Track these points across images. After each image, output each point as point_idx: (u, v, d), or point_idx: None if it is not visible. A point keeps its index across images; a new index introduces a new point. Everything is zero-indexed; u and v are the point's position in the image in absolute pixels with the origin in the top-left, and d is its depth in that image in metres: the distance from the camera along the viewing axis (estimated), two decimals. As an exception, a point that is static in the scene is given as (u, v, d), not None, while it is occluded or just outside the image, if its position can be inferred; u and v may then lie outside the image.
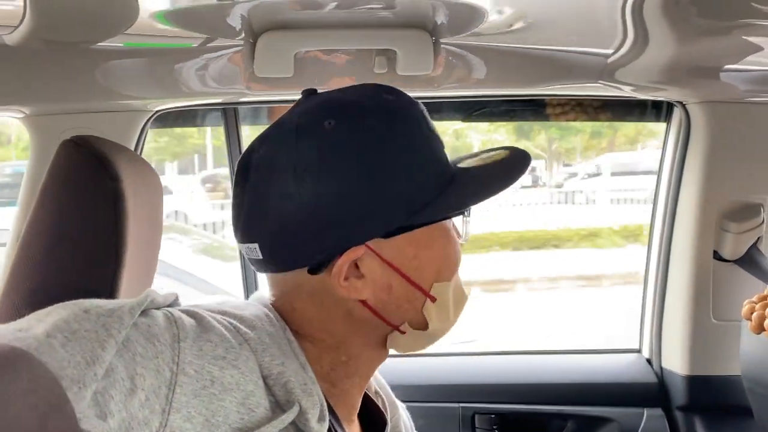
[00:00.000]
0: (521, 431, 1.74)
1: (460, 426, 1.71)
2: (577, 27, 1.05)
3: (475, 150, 0.89)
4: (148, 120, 1.52)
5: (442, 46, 1.11)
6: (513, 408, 1.72)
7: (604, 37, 1.08)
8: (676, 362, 1.71)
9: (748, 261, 1.62)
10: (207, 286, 3.73)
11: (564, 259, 7.98)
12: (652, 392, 1.75)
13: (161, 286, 0.88)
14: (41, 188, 0.90)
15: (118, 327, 0.65)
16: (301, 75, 1.13)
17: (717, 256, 1.64)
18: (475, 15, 0.98)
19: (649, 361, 1.81)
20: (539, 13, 0.99)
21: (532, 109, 1.79)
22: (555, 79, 1.44)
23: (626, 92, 1.54)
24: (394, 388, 1.01)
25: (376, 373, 0.93)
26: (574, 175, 10.61)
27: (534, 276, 7.47)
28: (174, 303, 0.77)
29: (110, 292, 0.87)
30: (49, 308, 0.66)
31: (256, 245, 0.79)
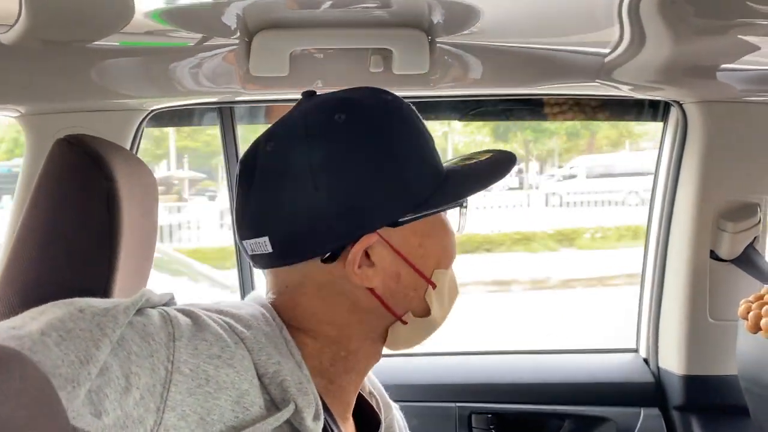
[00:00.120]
0: (518, 431, 1.74)
1: (457, 425, 1.71)
2: (574, 26, 1.05)
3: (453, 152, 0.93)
4: (143, 119, 1.52)
5: (437, 45, 1.10)
6: (510, 408, 1.72)
7: (601, 36, 1.08)
8: (672, 362, 1.72)
9: (745, 260, 1.62)
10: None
11: (493, 264, 7.99)
12: (649, 392, 1.76)
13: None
14: (35, 187, 0.90)
15: (112, 326, 0.65)
16: (297, 74, 1.13)
17: (714, 256, 1.64)
18: (471, 14, 0.98)
19: (646, 360, 1.82)
20: (535, 12, 0.99)
21: (530, 108, 1.79)
22: (552, 79, 1.44)
23: (623, 91, 1.54)
24: (391, 387, 1.02)
25: (370, 374, 0.94)
26: (552, 176, 10.63)
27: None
28: (170, 302, 0.77)
29: (104, 291, 0.87)
30: (44, 306, 0.66)
31: (265, 239, 0.80)
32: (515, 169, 0.90)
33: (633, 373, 1.80)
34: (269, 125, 0.85)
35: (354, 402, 0.89)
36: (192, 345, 0.70)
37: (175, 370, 0.67)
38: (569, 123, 8.64)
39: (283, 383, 0.74)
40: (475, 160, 0.89)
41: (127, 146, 1.50)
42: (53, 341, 0.60)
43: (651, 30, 1.04)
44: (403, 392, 1.11)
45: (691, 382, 1.68)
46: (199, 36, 1.06)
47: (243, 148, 1.70)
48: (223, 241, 7.05)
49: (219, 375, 0.70)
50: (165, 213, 7.40)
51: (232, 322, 0.76)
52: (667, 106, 1.69)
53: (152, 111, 1.52)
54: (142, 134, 1.55)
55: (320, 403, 0.77)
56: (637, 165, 9.13)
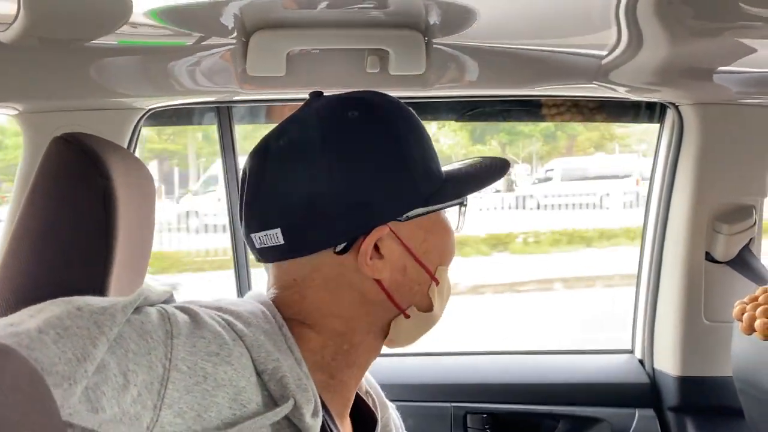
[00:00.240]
0: (513, 431, 1.74)
1: (452, 425, 1.71)
2: (571, 28, 1.05)
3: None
4: (141, 118, 1.52)
5: (434, 46, 1.11)
6: (505, 408, 1.73)
7: (598, 38, 1.08)
8: (667, 363, 1.72)
9: (740, 263, 1.63)
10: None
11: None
12: (643, 393, 1.76)
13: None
14: (31, 185, 0.90)
15: (110, 325, 0.65)
16: (293, 74, 1.14)
17: (709, 258, 1.64)
18: (468, 15, 0.99)
19: (641, 361, 1.82)
20: (532, 13, 0.99)
21: (527, 109, 1.79)
22: (548, 80, 1.44)
23: (620, 93, 1.54)
24: (387, 387, 1.02)
25: (367, 373, 0.95)
26: (529, 176, 10.57)
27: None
28: (169, 300, 0.78)
29: (101, 290, 0.87)
30: (42, 304, 0.67)
31: (277, 230, 0.82)
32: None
33: (628, 373, 1.80)
34: (269, 125, 0.86)
35: (353, 399, 0.89)
36: (190, 342, 0.70)
37: (172, 368, 0.68)
38: (544, 125, 8.65)
39: (282, 380, 0.74)
40: (471, 164, 0.92)
41: (125, 145, 1.50)
42: (51, 339, 0.61)
43: (648, 32, 1.04)
44: (398, 392, 1.12)
45: (685, 383, 1.69)
46: (196, 35, 1.06)
47: (245, 147, 1.70)
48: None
49: (217, 372, 0.70)
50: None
51: (231, 319, 0.76)
52: (663, 107, 1.69)
53: (150, 110, 1.52)
54: (139, 133, 1.55)
55: (319, 400, 0.77)
56: (615, 168, 9.20)
